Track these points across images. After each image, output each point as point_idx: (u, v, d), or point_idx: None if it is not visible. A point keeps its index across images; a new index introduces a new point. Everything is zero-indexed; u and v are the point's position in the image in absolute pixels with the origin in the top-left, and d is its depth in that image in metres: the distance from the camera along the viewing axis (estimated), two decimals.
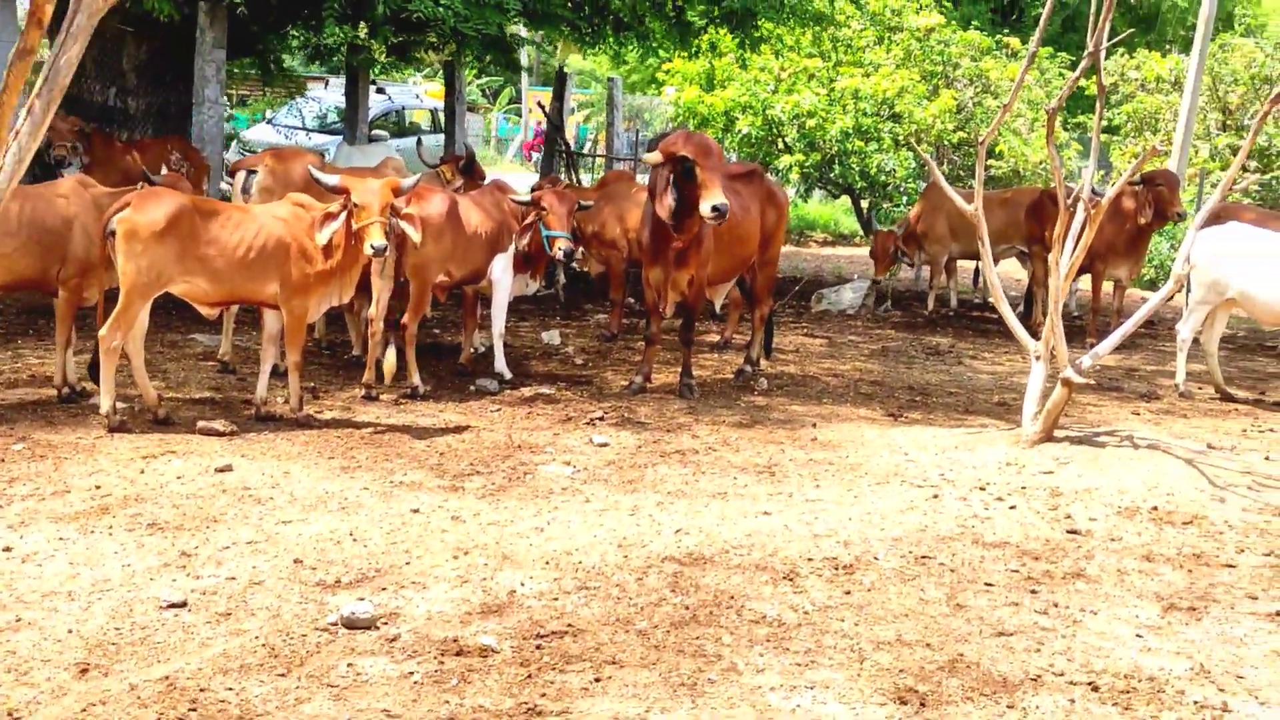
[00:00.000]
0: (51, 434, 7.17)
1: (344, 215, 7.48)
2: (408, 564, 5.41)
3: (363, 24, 12.54)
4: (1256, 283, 9.53)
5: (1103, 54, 7.72)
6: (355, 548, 5.58)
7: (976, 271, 16.09)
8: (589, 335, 11.69)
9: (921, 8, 19.60)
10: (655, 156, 8.54)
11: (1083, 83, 21.69)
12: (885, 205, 18.74)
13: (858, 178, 17.02)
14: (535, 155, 18.16)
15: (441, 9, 11.75)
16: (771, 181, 10.15)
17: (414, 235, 7.76)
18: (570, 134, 34.88)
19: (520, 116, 39.61)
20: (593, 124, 36.06)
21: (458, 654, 4.53)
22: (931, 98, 18.01)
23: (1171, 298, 8.42)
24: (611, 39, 14.69)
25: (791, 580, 5.43)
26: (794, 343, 11.92)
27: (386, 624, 4.77)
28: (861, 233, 19.79)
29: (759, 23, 14.07)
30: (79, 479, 6.36)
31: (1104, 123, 21.38)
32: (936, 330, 13.27)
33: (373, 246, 7.39)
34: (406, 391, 8.63)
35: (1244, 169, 16.56)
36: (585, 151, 25.83)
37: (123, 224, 7.19)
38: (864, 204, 18.81)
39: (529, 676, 4.37)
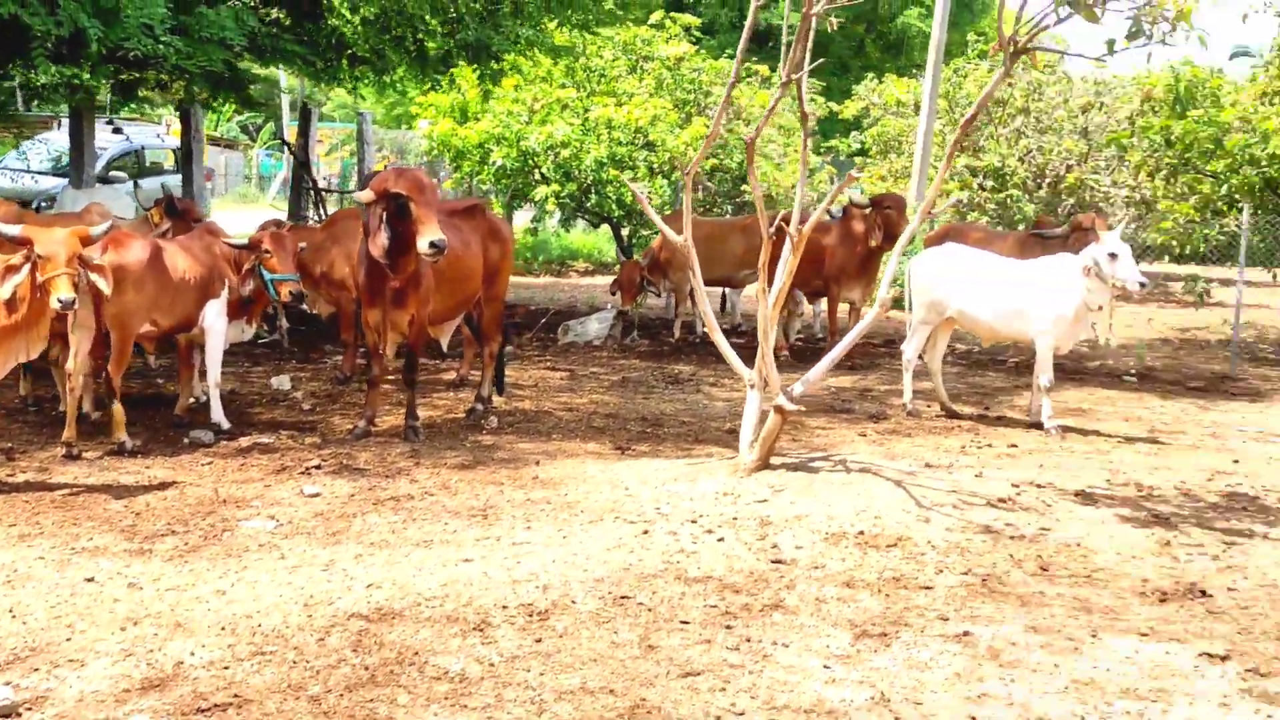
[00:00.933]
0: None
1: (27, 268, 7.08)
2: (69, 640, 5.07)
3: (84, 62, 11.99)
4: (973, 302, 9.81)
5: (805, 82, 7.83)
6: (13, 625, 5.21)
7: (724, 297, 16.24)
8: (324, 379, 11.36)
9: (671, 37, 19.84)
10: (367, 195, 8.33)
11: (835, 107, 22.51)
12: (644, 233, 18.89)
13: (614, 206, 17.15)
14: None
15: (162, 46, 11.28)
16: (495, 216, 10.03)
17: (104, 287, 7.38)
18: (335, 170, 34.32)
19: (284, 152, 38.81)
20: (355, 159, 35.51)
21: None
22: (684, 125, 18.24)
23: (876, 322, 8.57)
24: (347, 74, 14.37)
25: (482, 631, 5.27)
26: (534, 377, 11.79)
27: (30, 709, 4.44)
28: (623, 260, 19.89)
29: (498, 54, 13.95)
30: None
31: (856, 145, 22.08)
32: (681, 358, 13.32)
33: (59, 300, 7.01)
34: (113, 448, 8.21)
35: (947, 192, 17.17)
36: (343, 189, 25.34)
37: None
38: (624, 232, 18.92)
39: None
